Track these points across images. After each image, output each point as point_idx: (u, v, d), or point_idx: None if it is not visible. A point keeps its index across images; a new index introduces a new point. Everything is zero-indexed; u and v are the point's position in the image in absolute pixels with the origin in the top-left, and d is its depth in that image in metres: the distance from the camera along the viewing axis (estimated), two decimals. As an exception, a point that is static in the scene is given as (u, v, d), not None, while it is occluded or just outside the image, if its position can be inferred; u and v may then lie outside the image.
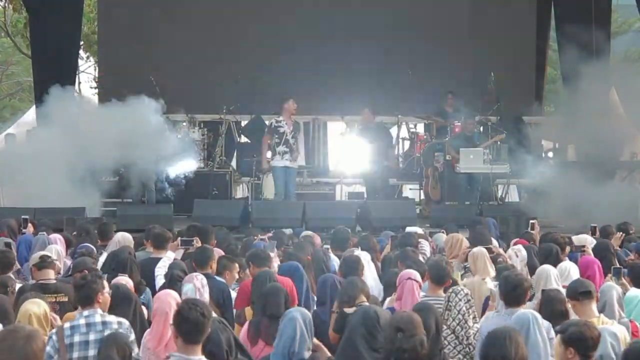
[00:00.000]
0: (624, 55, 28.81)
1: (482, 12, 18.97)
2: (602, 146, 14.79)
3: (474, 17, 18.90)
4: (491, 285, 7.69)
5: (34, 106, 18.64)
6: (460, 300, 6.71)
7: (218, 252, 8.50)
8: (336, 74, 18.22)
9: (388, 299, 7.58)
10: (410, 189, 18.14)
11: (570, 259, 8.63)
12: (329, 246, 9.76)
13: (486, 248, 8.44)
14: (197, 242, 9.09)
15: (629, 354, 4.92)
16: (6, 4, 27.33)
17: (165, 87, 16.41)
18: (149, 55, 18.26)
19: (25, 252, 9.70)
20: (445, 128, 16.73)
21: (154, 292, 7.55)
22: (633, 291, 7.36)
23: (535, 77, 19.71)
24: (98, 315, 5.91)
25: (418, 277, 7.21)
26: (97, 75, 25.12)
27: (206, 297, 6.63)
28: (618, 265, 8.21)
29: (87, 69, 30.49)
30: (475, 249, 8.36)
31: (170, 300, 6.13)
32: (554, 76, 25.37)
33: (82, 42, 23.87)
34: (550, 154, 17.68)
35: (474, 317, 6.80)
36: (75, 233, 10.50)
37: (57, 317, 6.36)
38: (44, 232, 9.88)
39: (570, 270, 7.83)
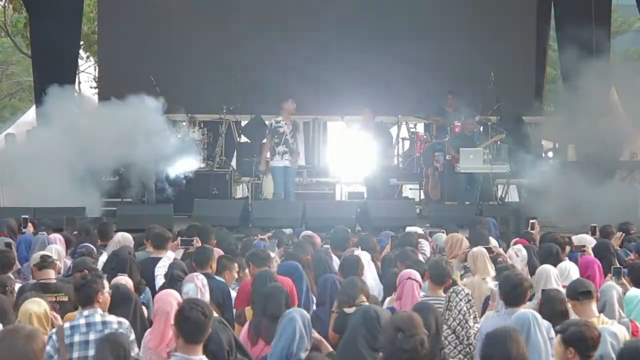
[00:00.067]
0: (624, 54, 28.75)
1: (482, 12, 18.94)
2: (602, 146, 14.79)
3: (474, 17, 18.87)
4: (491, 285, 7.69)
5: (34, 106, 18.64)
6: (461, 300, 6.71)
7: (218, 252, 8.49)
8: (336, 74, 18.22)
9: (388, 299, 7.58)
10: (410, 189, 18.14)
11: (570, 259, 8.63)
12: (329, 246, 9.77)
13: (486, 248, 8.44)
14: (197, 242, 9.09)
15: (625, 352, 4.91)
16: (6, 4, 27.27)
17: (165, 87, 16.40)
18: (149, 55, 18.26)
19: (25, 252, 9.70)
20: (445, 128, 16.74)
21: (154, 292, 7.55)
22: (633, 291, 7.36)
23: (535, 77, 19.70)
24: (98, 315, 5.91)
25: (418, 277, 7.21)
26: (97, 75, 25.10)
27: (207, 297, 6.62)
28: (618, 265, 8.22)
29: (87, 69, 30.45)
30: (475, 249, 8.36)
31: (171, 300, 6.13)
32: (554, 76, 25.36)
33: (82, 42, 23.84)
34: (550, 154, 17.65)
35: (475, 317, 6.80)
36: (75, 233, 10.50)
37: (58, 316, 6.36)
38: (44, 232, 9.88)
39: (570, 270, 7.83)
